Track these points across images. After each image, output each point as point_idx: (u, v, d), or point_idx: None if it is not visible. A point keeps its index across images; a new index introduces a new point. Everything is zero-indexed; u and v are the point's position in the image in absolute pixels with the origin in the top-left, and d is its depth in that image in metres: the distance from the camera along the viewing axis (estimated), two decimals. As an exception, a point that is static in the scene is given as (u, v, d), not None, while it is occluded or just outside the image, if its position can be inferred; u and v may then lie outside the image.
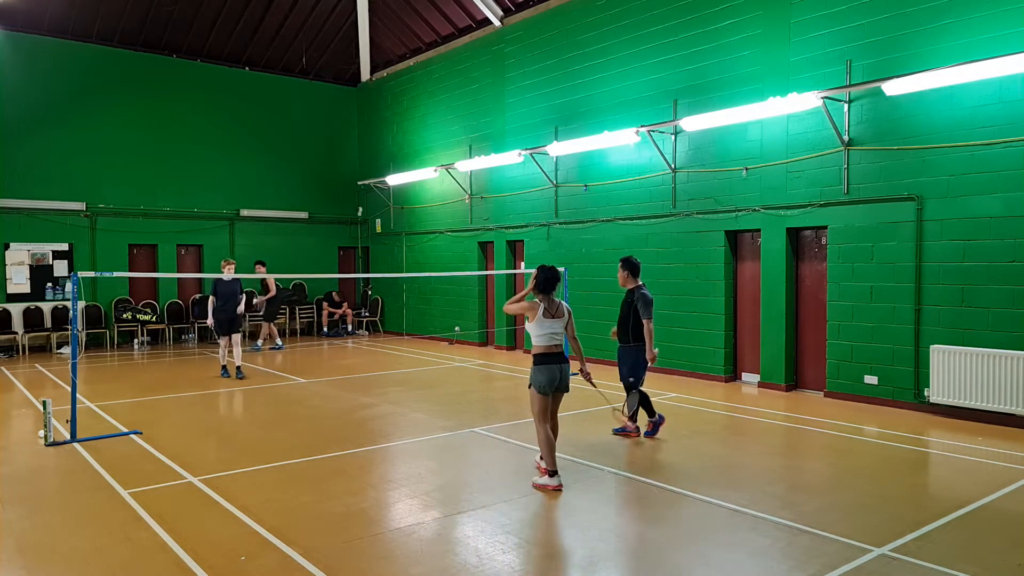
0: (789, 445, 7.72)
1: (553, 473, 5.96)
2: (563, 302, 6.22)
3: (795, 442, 7.81)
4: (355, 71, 19.91)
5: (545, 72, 14.04)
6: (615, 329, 7.86)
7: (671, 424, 8.30)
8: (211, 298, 11.51)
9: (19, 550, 4.82)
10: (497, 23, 15.25)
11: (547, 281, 6.09)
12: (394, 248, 18.86)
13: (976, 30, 8.33)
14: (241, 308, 11.72)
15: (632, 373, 7.66)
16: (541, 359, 6.02)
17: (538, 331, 5.99)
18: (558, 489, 5.88)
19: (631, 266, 7.78)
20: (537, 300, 6.09)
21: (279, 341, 15.79)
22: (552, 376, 5.98)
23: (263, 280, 15.87)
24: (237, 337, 11.64)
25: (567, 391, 6.14)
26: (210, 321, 11.51)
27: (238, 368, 11.68)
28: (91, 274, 8.99)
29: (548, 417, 6.07)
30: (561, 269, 11.99)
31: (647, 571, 4.56)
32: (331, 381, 11.59)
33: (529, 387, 6.11)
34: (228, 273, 11.41)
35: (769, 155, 10.40)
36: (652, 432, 7.72)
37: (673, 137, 11.64)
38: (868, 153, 9.35)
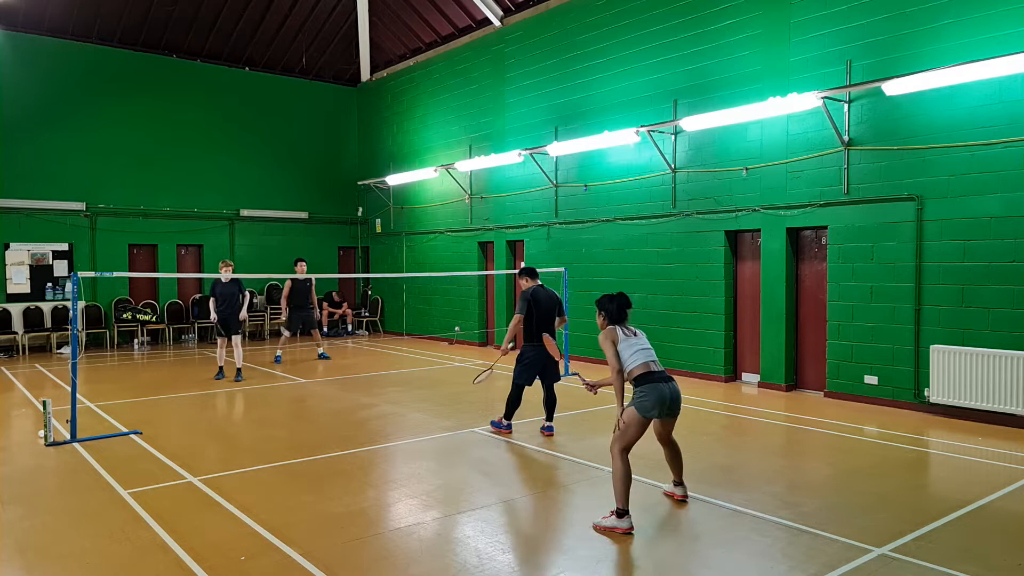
0: (789, 445, 7.72)
1: (623, 513, 5.06)
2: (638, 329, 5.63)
3: (795, 442, 7.81)
4: (355, 71, 19.91)
5: (545, 72, 14.04)
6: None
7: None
8: (211, 300, 11.48)
9: (19, 550, 4.82)
10: (497, 23, 15.25)
11: (620, 309, 5.48)
12: (394, 248, 18.86)
13: (976, 30, 8.33)
14: (244, 313, 11.69)
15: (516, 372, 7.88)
16: (644, 379, 5.24)
17: (628, 352, 5.31)
18: (629, 532, 5.01)
19: (527, 272, 8.03)
20: (610, 327, 5.44)
21: (278, 352, 14.07)
22: (661, 396, 5.19)
23: (308, 282, 13.80)
24: (237, 339, 11.57)
25: (678, 414, 5.46)
26: (213, 317, 11.48)
27: (238, 370, 11.62)
28: (91, 274, 9.00)
29: (630, 448, 5.27)
30: (561, 269, 12.08)
31: (647, 571, 4.56)
32: (331, 381, 11.59)
33: (628, 406, 5.27)
34: (226, 274, 11.41)
35: (769, 155, 10.40)
36: (496, 423, 7.98)
37: (673, 137, 11.64)
38: (868, 153, 9.35)
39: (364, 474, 6.58)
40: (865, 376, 9.40)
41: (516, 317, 7.75)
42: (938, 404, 8.63)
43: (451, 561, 4.62)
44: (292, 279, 13.60)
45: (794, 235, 10.41)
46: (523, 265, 8.25)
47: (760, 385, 10.69)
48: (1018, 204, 8.07)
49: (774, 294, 10.46)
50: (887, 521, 5.20)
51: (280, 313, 17.92)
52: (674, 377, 5.46)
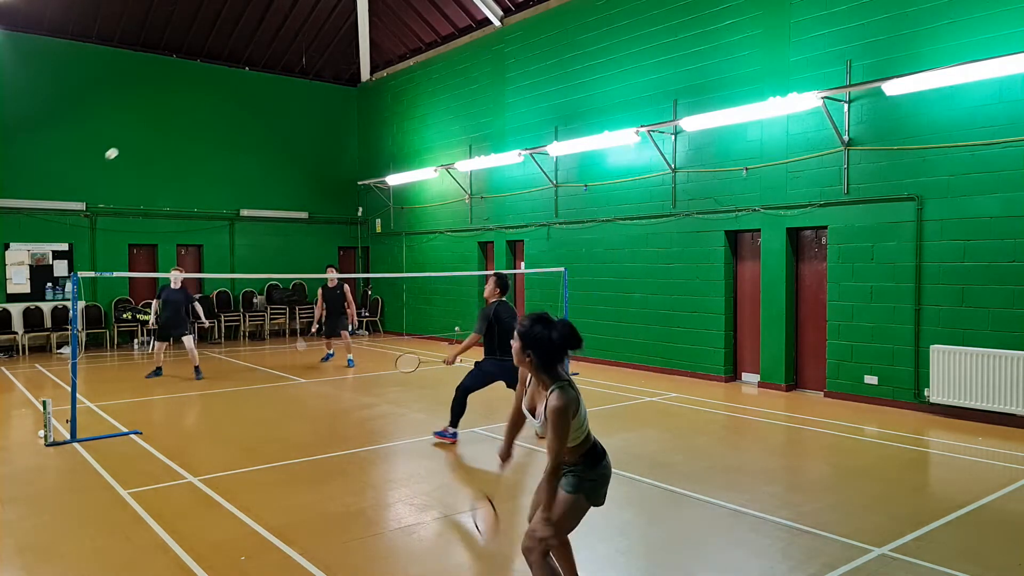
0: (789, 445, 7.72)
1: None
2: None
3: (795, 442, 7.81)
4: (355, 71, 19.91)
5: (545, 72, 14.04)
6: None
7: (671, 424, 8.31)
8: (156, 301, 11.84)
9: (19, 550, 4.82)
10: (497, 23, 15.25)
11: (561, 348, 3.57)
12: (394, 248, 18.86)
13: (976, 30, 8.33)
14: (204, 322, 12.10)
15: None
16: (593, 456, 3.64)
17: (584, 419, 3.58)
18: None
19: (499, 282, 7.79)
20: (564, 382, 3.52)
21: (329, 351, 13.68)
22: (608, 476, 3.73)
23: (339, 290, 13.24)
24: (188, 340, 11.77)
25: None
26: (152, 321, 12.23)
27: (196, 368, 11.75)
28: (91, 274, 8.99)
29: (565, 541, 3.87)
30: (561, 269, 12.07)
31: (647, 571, 4.56)
32: (331, 381, 11.59)
33: (571, 493, 3.59)
34: (176, 277, 11.53)
35: (769, 155, 10.40)
36: (441, 433, 7.62)
37: (673, 137, 11.64)
38: (868, 153, 9.35)
39: (364, 474, 6.58)
40: (865, 376, 9.39)
41: (474, 336, 7.49)
42: (938, 404, 8.63)
43: (451, 561, 4.62)
44: (323, 289, 13.20)
45: (794, 235, 10.41)
46: (499, 271, 7.94)
47: (760, 385, 10.69)
48: (1018, 204, 8.07)
49: (774, 294, 10.46)
50: (887, 521, 5.20)
51: (280, 314, 18.03)
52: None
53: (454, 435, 7.57)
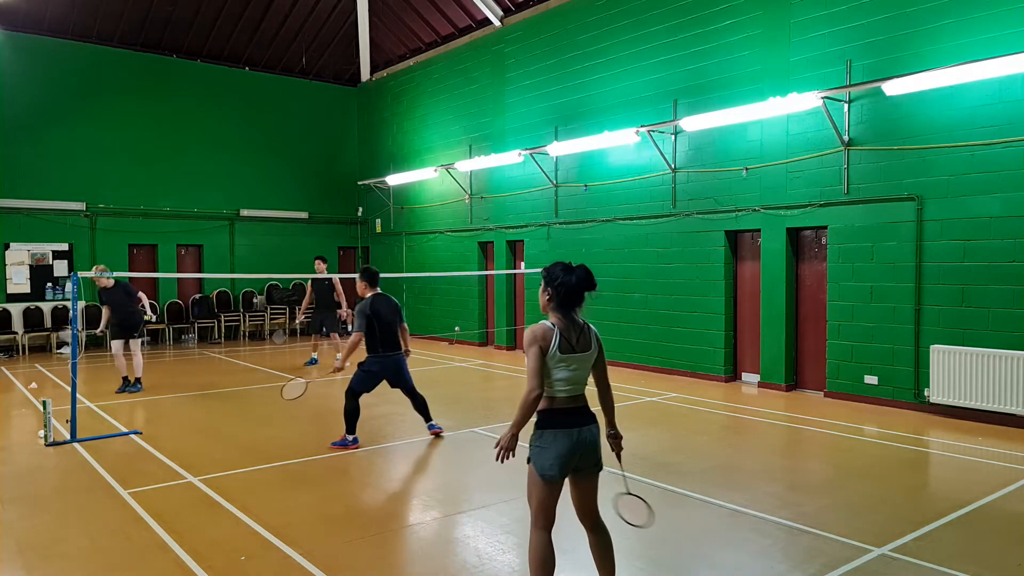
0: (789, 445, 7.72)
1: None
2: (589, 325, 3.83)
3: (795, 442, 7.81)
4: (355, 71, 19.91)
5: (545, 72, 14.04)
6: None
7: (671, 424, 8.31)
8: (105, 308, 10.44)
9: (19, 550, 4.82)
10: (497, 23, 15.25)
11: (577, 289, 3.74)
12: (394, 248, 18.86)
13: (976, 30, 8.33)
14: (149, 314, 10.68)
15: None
16: (550, 419, 3.55)
17: (556, 373, 3.58)
18: None
19: (367, 276, 7.66)
20: (550, 322, 3.68)
21: (313, 355, 13.64)
22: (570, 447, 3.53)
23: (327, 281, 12.92)
24: (135, 344, 10.47)
25: (600, 469, 3.73)
26: (101, 330, 10.79)
27: (137, 380, 10.53)
28: (91, 274, 8.98)
29: (552, 516, 3.64)
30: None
31: (647, 571, 4.56)
32: (331, 381, 11.58)
33: (528, 462, 3.63)
34: (105, 281, 10.23)
35: (769, 155, 10.40)
36: (340, 442, 7.39)
37: (673, 137, 11.64)
38: (868, 153, 9.35)
39: (364, 474, 6.58)
40: (865, 376, 9.39)
41: (356, 335, 7.28)
42: (938, 404, 8.63)
43: (451, 561, 4.62)
44: (312, 279, 13.06)
45: (794, 235, 10.41)
46: (365, 265, 7.78)
47: (760, 385, 10.68)
48: (1018, 204, 8.07)
49: (774, 294, 10.46)
50: (887, 521, 5.20)
51: (280, 314, 18.03)
52: (593, 413, 3.71)
53: (354, 441, 7.40)
